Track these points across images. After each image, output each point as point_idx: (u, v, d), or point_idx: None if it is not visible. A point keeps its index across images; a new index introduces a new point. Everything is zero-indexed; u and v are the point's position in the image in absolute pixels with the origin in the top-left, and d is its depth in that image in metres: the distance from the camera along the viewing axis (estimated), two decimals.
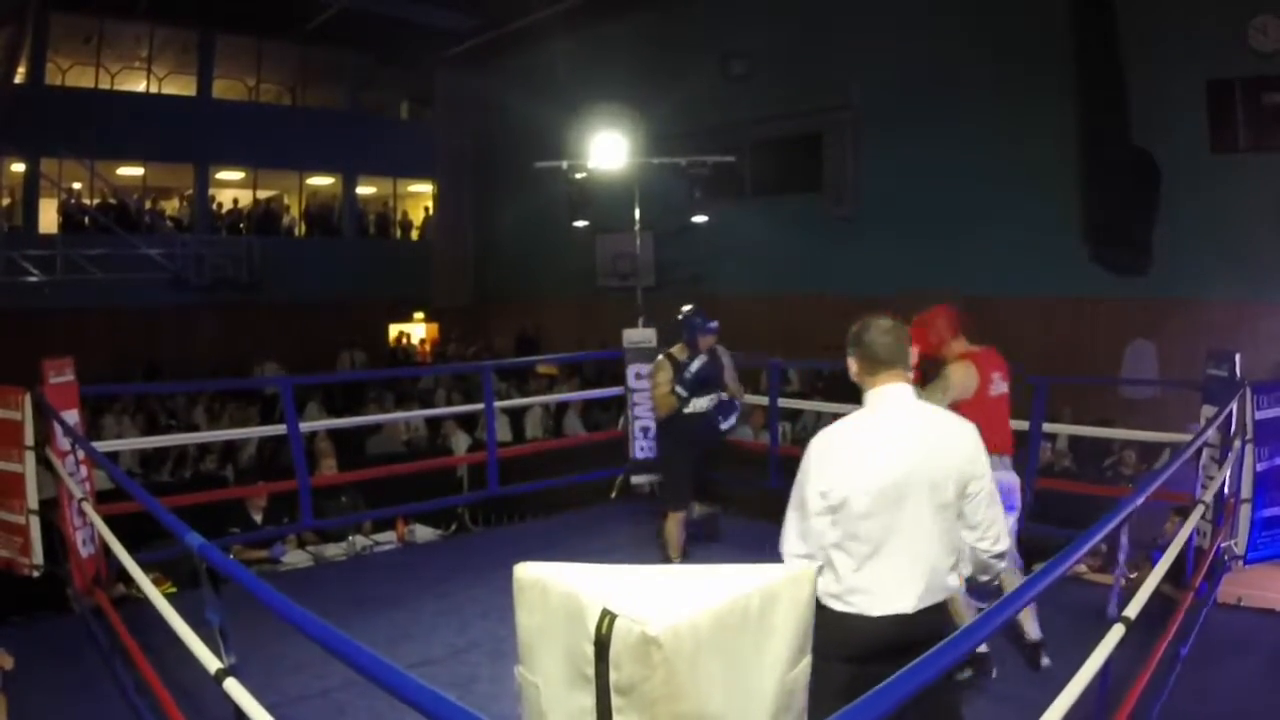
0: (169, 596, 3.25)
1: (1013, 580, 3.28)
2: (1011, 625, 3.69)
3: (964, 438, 2.35)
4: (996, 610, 1.74)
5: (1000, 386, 3.79)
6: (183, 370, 13.53)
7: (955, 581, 2.36)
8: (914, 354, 2.42)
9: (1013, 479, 3.76)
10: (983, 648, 3.63)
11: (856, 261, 11.82)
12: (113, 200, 15.34)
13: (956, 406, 2.89)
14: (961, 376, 3.65)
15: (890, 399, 2.34)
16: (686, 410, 5.04)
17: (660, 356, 5.21)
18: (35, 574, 4.31)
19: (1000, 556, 2.39)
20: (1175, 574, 3.82)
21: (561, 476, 6.64)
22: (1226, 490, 4.35)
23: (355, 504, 6.15)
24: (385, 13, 14.62)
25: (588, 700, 1.23)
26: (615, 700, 1.20)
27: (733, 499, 6.69)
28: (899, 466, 2.25)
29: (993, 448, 2.70)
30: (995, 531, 2.36)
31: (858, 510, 2.23)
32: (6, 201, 14.67)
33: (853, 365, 2.40)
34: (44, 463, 4.48)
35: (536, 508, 6.97)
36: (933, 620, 2.26)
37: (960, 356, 3.71)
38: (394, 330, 18.01)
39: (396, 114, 18.98)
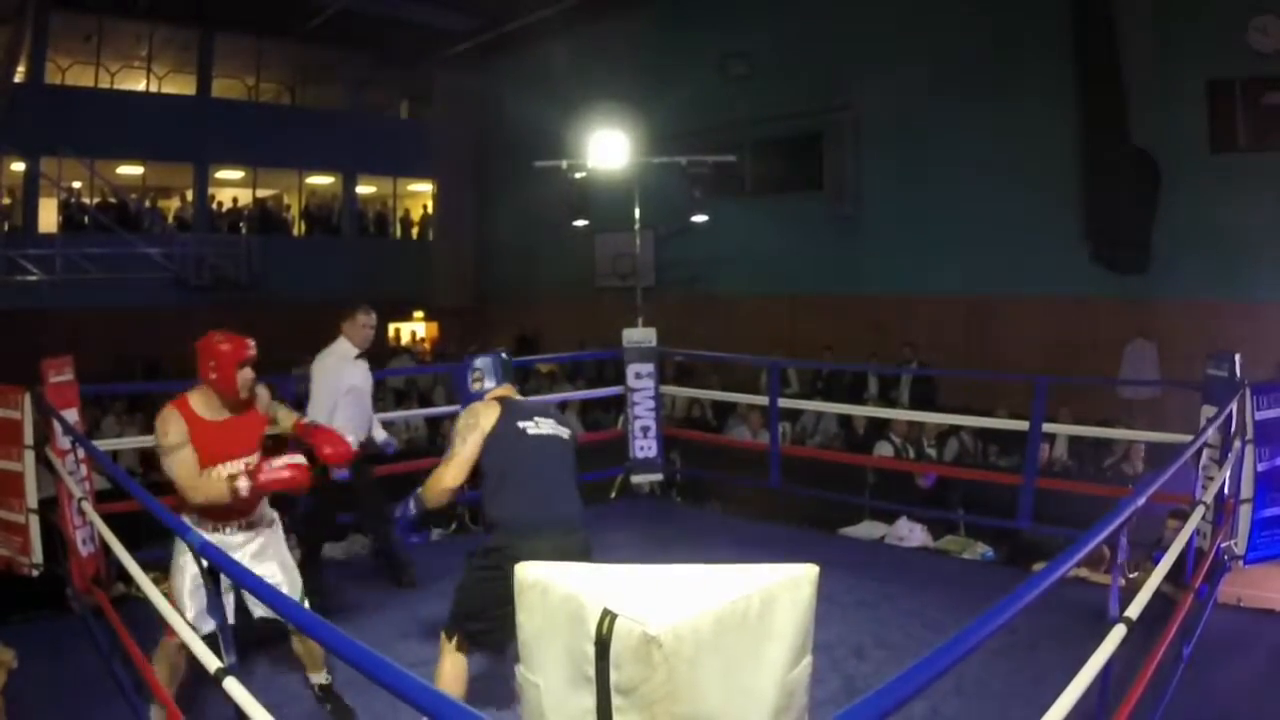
0: (169, 596, 3.25)
1: None
2: None
3: None
4: (998, 609, 1.73)
5: None
6: (183, 370, 13.49)
7: None
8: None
9: None
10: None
11: (856, 261, 11.83)
12: (112, 200, 15.33)
13: None
14: None
15: None
16: None
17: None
18: (35, 573, 4.31)
19: None
20: (1175, 574, 3.82)
21: None
22: (1226, 491, 4.35)
23: None
24: (384, 13, 14.61)
25: (588, 700, 1.22)
26: (616, 700, 1.20)
27: (733, 499, 6.69)
28: None
29: None
30: None
31: None
32: (6, 201, 14.66)
33: None
34: (44, 462, 4.48)
35: None
36: None
37: None
38: (393, 329, 18.00)
39: (396, 113, 18.96)
